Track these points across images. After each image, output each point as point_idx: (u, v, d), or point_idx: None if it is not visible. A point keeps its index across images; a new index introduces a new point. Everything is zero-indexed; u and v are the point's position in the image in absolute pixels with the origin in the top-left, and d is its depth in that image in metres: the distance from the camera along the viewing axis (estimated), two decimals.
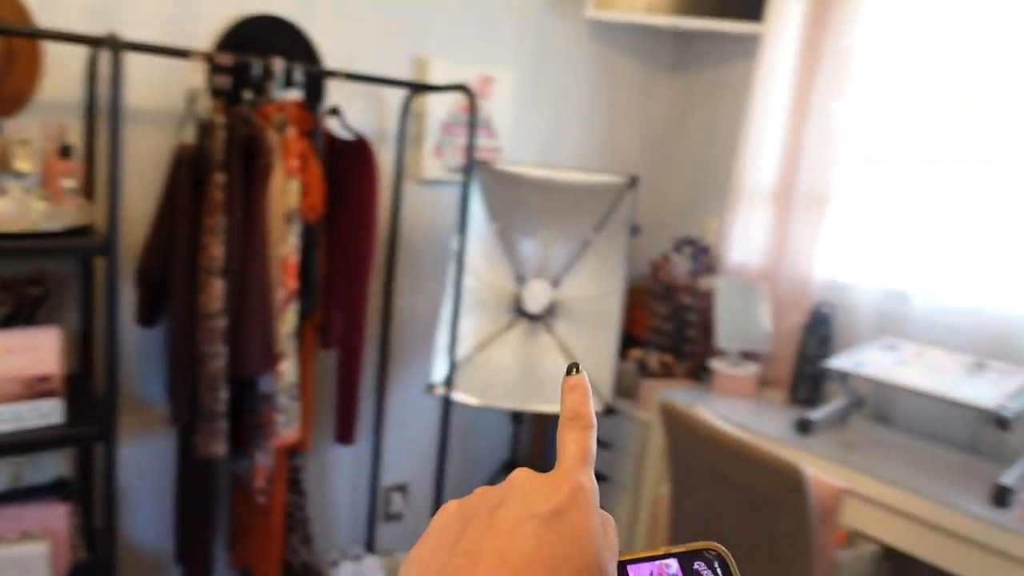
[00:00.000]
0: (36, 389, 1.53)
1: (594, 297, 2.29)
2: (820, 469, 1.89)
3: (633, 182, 2.23)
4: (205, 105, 1.77)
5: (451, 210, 2.45)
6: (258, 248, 1.68)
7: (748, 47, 2.50)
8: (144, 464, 2.07)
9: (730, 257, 2.48)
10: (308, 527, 2.15)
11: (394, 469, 2.57)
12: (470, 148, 1.91)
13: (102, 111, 1.79)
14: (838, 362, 1.98)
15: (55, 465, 1.77)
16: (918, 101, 2.09)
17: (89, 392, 1.77)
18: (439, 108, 2.29)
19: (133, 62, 1.78)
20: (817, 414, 2.06)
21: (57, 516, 1.66)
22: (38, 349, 1.56)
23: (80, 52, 1.76)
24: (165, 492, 2.12)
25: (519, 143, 2.57)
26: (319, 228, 1.84)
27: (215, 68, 1.69)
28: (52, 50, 1.73)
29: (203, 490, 1.95)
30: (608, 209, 2.27)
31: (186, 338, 1.72)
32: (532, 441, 2.90)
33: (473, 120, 1.89)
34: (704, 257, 2.53)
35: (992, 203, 1.94)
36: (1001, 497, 1.67)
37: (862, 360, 1.96)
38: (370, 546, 2.54)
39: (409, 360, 2.50)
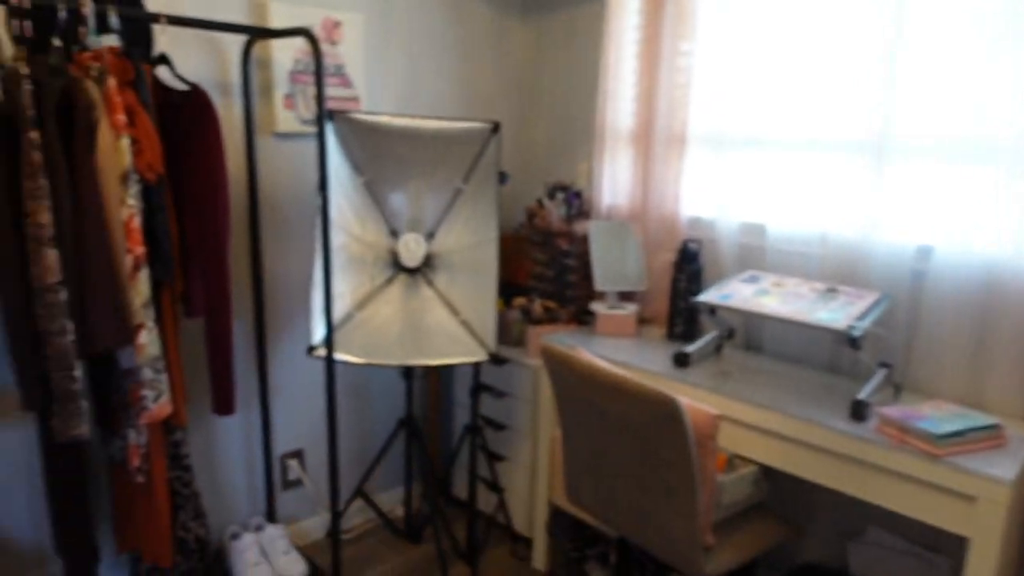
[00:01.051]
0: None
1: (470, 246, 2.21)
2: (699, 399, 1.90)
3: (496, 128, 2.14)
4: (7, 55, 1.57)
5: (312, 164, 2.31)
6: (93, 212, 1.52)
7: None
8: (7, 453, 1.89)
9: (601, 200, 2.45)
10: (198, 502, 2.03)
11: (288, 435, 2.46)
12: (320, 97, 1.78)
13: None
14: (706, 296, 1.97)
15: None
16: (760, 42, 2.07)
17: None
18: (284, 55, 2.13)
19: None
20: (692, 347, 2.07)
21: None
22: None
23: None
24: (36, 481, 1.95)
25: (376, 91, 2.44)
26: (163, 188, 1.68)
27: (12, 12, 1.49)
28: None
29: (74, 476, 1.80)
30: (475, 157, 2.18)
31: (23, 316, 1.55)
32: (426, 395, 2.84)
33: (319, 67, 1.76)
34: (577, 202, 2.49)
35: (831, 135, 1.95)
36: (859, 411, 1.71)
37: (727, 292, 1.97)
38: (271, 515, 2.43)
39: (289, 323, 2.37)
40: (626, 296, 2.44)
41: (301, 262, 2.35)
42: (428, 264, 2.26)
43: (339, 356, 2.04)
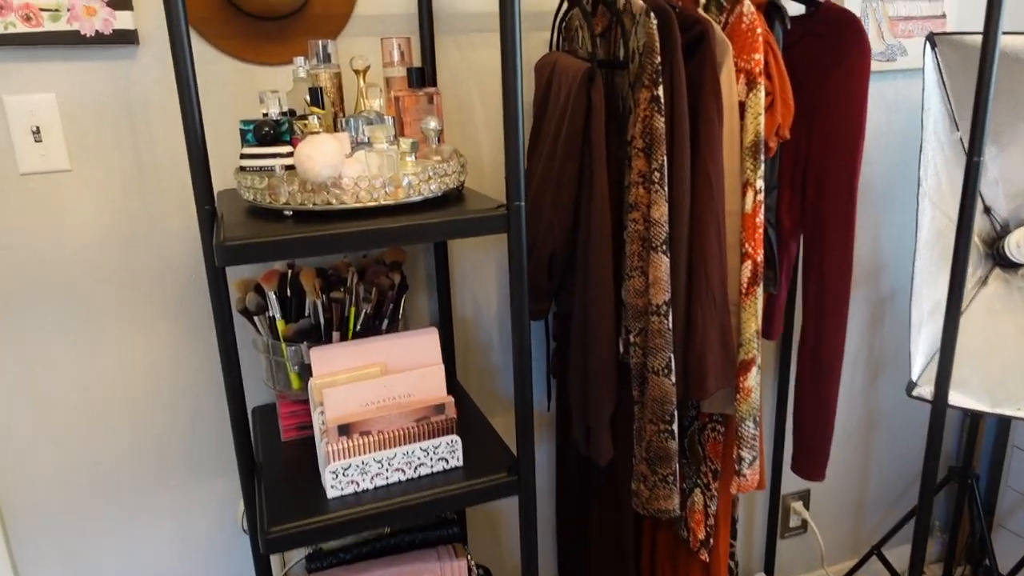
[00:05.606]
0: (431, 423, 1.00)
1: None
2: None
3: None
4: None
5: (883, 109, 1.66)
6: (715, 202, 1.01)
7: None
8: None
9: None
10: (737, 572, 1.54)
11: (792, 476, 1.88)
12: None
13: (439, 18, 1.22)
14: None
15: None
16: None
17: (461, 408, 1.23)
18: None
19: None
20: None
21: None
22: (424, 370, 1.03)
23: None
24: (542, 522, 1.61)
25: (968, 3, 1.67)
26: (777, 161, 1.14)
27: None
28: None
29: (579, 532, 1.39)
30: None
31: (613, 347, 1.11)
32: (994, 448, 2.06)
33: None
34: None
35: None
36: None
37: None
38: (768, 567, 1.90)
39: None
40: None
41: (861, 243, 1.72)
42: None
43: (955, 400, 1.37)
